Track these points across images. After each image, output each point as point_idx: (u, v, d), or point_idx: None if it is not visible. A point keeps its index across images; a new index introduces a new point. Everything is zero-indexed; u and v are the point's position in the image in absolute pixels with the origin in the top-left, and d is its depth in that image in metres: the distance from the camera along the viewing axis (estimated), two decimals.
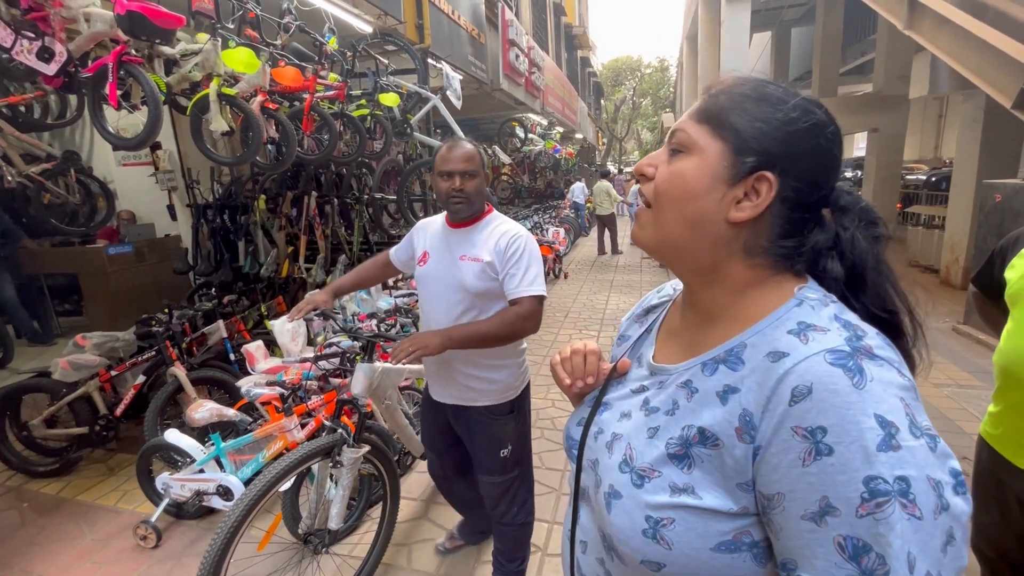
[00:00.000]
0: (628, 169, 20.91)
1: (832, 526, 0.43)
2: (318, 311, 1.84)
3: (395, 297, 3.75)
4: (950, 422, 3.66)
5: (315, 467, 1.84)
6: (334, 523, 1.81)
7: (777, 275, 0.57)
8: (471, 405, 1.74)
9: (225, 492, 2.28)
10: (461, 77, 5.27)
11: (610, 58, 36.44)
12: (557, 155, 11.58)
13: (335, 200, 4.44)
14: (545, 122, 11.48)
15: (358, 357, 3.02)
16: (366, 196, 4.54)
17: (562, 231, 8.52)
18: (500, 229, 1.65)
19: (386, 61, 4.19)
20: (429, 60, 5.10)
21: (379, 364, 1.91)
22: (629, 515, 0.54)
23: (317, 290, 1.88)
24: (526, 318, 1.55)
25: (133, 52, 2.20)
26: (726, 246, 0.56)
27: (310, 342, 3.38)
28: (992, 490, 1.42)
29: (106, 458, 3.15)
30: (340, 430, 1.78)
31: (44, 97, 3.62)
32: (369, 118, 3.99)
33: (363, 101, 3.97)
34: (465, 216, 1.66)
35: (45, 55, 2.17)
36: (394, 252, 1.93)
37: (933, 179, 12.05)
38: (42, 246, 5.62)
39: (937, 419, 3.70)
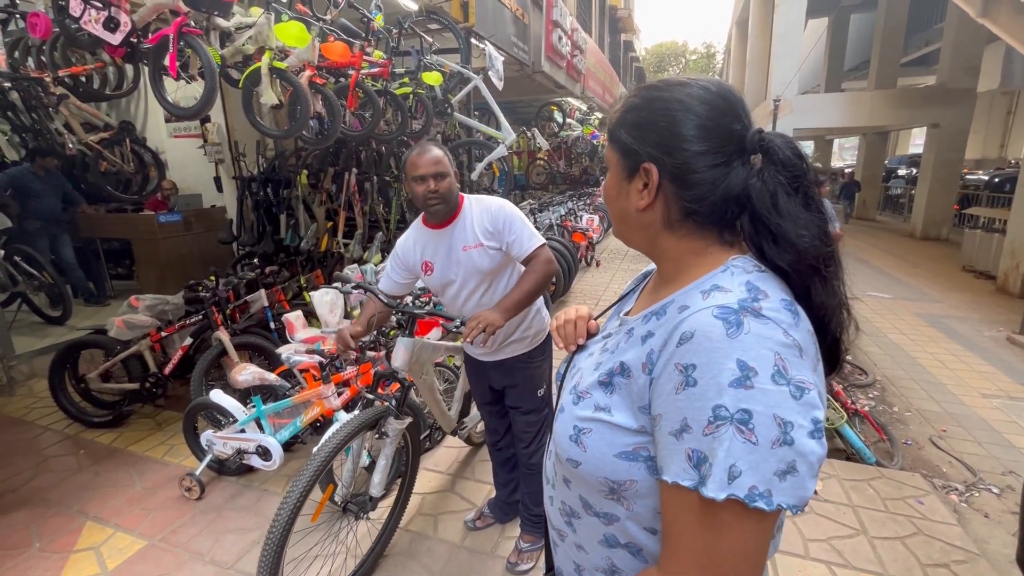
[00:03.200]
0: None
1: (686, 440, 0.55)
2: (352, 284, 1.90)
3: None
4: (997, 434, 3.49)
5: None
6: (376, 490, 1.88)
7: (713, 245, 0.68)
8: (511, 356, 1.90)
9: (264, 452, 2.39)
10: (503, 58, 5.22)
11: (654, 43, 35.35)
12: (595, 141, 11.38)
13: (374, 177, 4.50)
14: (584, 107, 11.29)
15: (392, 332, 3.10)
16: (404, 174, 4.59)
17: (596, 218, 8.42)
18: (480, 210, 1.77)
19: (430, 39, 4.19)
20: (472, 40, 5.07)
21: (419, 339, 1.95)
22: (564, 424, 0.70)
23: (346, 329, 1.84)
24: (548, 262, 1.74)
25: (192, 24, 2.26)
26: (649, 228, 0.70)
27: (347, 315, 3.47)
28: None
29: (155, 414, 3.33)
30: (387, 403, 1.83)
31: (104, 68, 3.79)
32: (411, 96, 4.01)
33: (406, 79, 3.99)
34: (445, 214, 1.76)
35: (111, 25, 2.26)
36: (384, 286, 1.92)
37: (996, 180, 11.31)
38: (98, 212, 5.91)
39: (983, 431, 3.54)
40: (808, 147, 24.67)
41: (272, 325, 3.53)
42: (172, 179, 6.19)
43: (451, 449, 2.85)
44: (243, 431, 2.46)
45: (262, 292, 3.53)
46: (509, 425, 2.12)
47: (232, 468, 2.64)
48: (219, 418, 2.63)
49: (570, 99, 10.14)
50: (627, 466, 0.63)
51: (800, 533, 2.24)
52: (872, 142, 15.78)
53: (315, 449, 1.65)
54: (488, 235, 1.73)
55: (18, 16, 3.08)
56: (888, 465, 2.97)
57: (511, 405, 2.03)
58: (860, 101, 12.95)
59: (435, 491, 2.53)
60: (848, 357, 4.34)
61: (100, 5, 2.24)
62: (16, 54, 3.60)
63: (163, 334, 3.17)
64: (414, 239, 1.86)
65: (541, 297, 1.95)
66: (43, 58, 3.33)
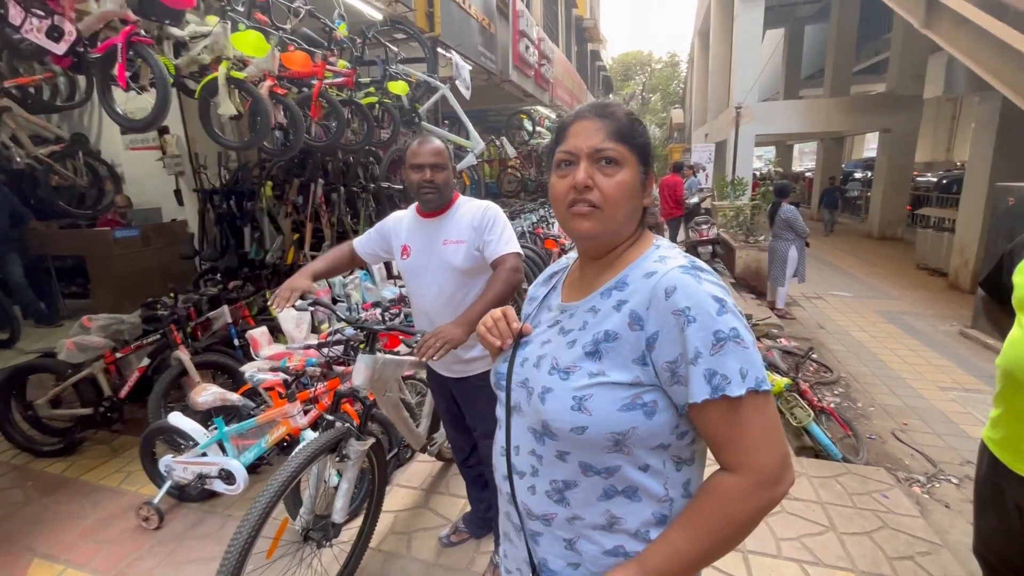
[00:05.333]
0: None
1: (700, 364, 0.70)
2: (309, 300, 1.84)
3: (400, 287, 3.74)
4: (954, 425, 3.64)
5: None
6: (339, 516, 1.79)
7: (642, 232, 0.86)
8: (471, 375, 1.85)
9: (227, 476, 2.29)
10: (471, 67, 5.22)
11: (620, 52, 36.06)
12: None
13: (342, 188, 4.43)
14: (554, 115, 11.40)
15: (361, 346, 3.03)
16: (372, 185, 4.52)
17: None
18: (470, 209, 1.78)
19: (395, 49, 4.16)
20: (439, 49, 5.06)
21: (381, 355, 1.89)
22: (560, 400, 0.77)
23: (295, 276, 1.86)
24: (515, 270, 1.70)
25: (143, 33, 2.18)
26: (636, 220, 0.84)
27: (314, 329, 3.38)
28: (992, 496, 1.40)
29: (110, 439, 3.17)
30: (347, 424, 1.76)
31: (53, 79, 3.61)
32: (377, 106, 3.97)
33: (372, 89, 3.95)
34: (436, 205, 1.78)
35: (55, 34, 2.16)
36: (360, 244, 1.99)
37: (944, 181, 11.89)
38: (49, 228, 5.63)
39: (941, 423, 3.68)
40: (770, 152, 25.51)
41: (236, 342, 3.41)
42: (129, 193, 5.95)
43: (424, 464, 2.79)
44: (205, 454, 2.35)
45: (225, 308, 3.41)
46: (475, 444, 2.06)
47: (193, 494, 2.52)
48: (179, 442, 2.51)
49: (539, 107, 10.23)
50: (629, 416, 0.74)
51: (772, 533, 2.27)
52: (829, 147, 16.44)
53: (269, 480, 1.56)
54: (472, 231, 1.73)
55: None
56: (854, 460, 3.05)
57: (471, 426, 1.97)
58: (816, 108, 13.49)
59: (408, 508, 2.47)
60: (814, 356, 4.45)
61: (42, 13, 2.14)
62: None
63: (118, 355, 3.03)
64: (405, 221, 1.88)
65: None
66: None
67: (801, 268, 6.13)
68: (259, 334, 3.04)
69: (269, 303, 1.82)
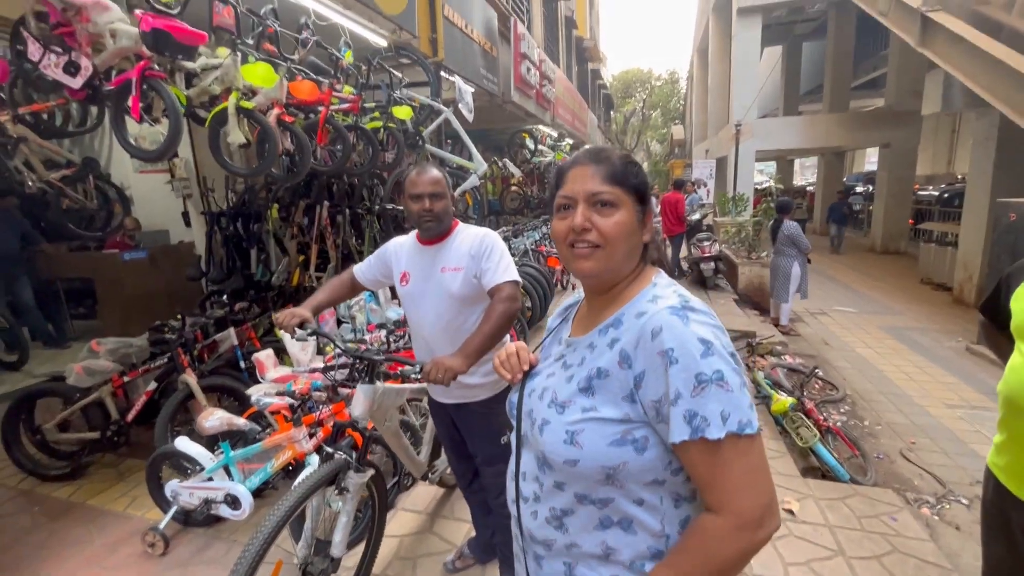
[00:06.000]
0: None
1: (680, 405, 0.71)
2: (308, 330, 1.86)
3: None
4: (962, 444, 3.61)
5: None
6: (337, 551, 1.77)
7: (643, 269, 0.89)
8: (471, 401, 1.86)
9: (233, 501, 2.30)
10: (473, 90, 5.32)
11: (621, 70, 36.53)
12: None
13: (347, 210, 4.49)
14: (555, 133, 11.54)
15: (362, 372, 3.04)
16: (377, 207, 4.58)
17: None
18: (468, 236, 1.81)
19: (400, 75, 4.25)
20: (442, 73, 5.16)
21: (380, 385, 1.89)
22: (555, 432, 0.80)
23: (298, 307, 1.90)
24: (511, 299, 1.70)
25: (156, 67, 2.25)
26: (636, 257, 0.88)
27: (319, 351, 3.41)
28: (998, 522, 1.39)
29: (117, 463, 3.18)
30: (344, 455, 1.75)
31: (66, 105, 3.71)
32: (382, 130, 4.04)
33: (376, 113, 4.03)
34: (436, 233, 1.81)
35: (71, 69, 2.23)
36: (361, 271, 2.04)
37: (946, 195, 11.92)
38: (59, 250, 5.72)
39: (950, 441, 3.65)
40: (771, 167, 25.65)
41: (243, 364, 3.43)
42: (137, 215, 6.05)
43: (429, 488, 2.79)
44: (211, 479, 2.36)
45: (231, 331, 3.44)
46: (477, 470, 2.06)
47: (199, 519, 2.52)
48: (185, 466, 2.52)
49: (541, 127, 10.36)
50: (618, 451, 0.76)
51: (780, 558, 2.25)
52: (830, 161, 16.52)
53: (265, 517, 1.53)
54: (469, 259, 1.75)
55: None
56: (862, 481, 3.03)
57: (473, 452, 1.98)
58: (816, 124, 13.60)
59: (413, 533, 2.46)
60: (820, 373, 4.44)
61: (60, 50, 2.22)
62: None
63: (126, 379, 3.05)
64: (405, 247, 1.91)
65: (507, 338, 1.91)
66: (1, 96, 3.26)
67: (804, 284, 6.13)
68: (265, 356, 3.05)
69: (274, 319, 1.85)
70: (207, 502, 2.34)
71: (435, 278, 1.78)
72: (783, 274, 6.10)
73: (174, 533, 2.47)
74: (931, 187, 14.34)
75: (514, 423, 0.94)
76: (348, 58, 3.60)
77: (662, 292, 0.82)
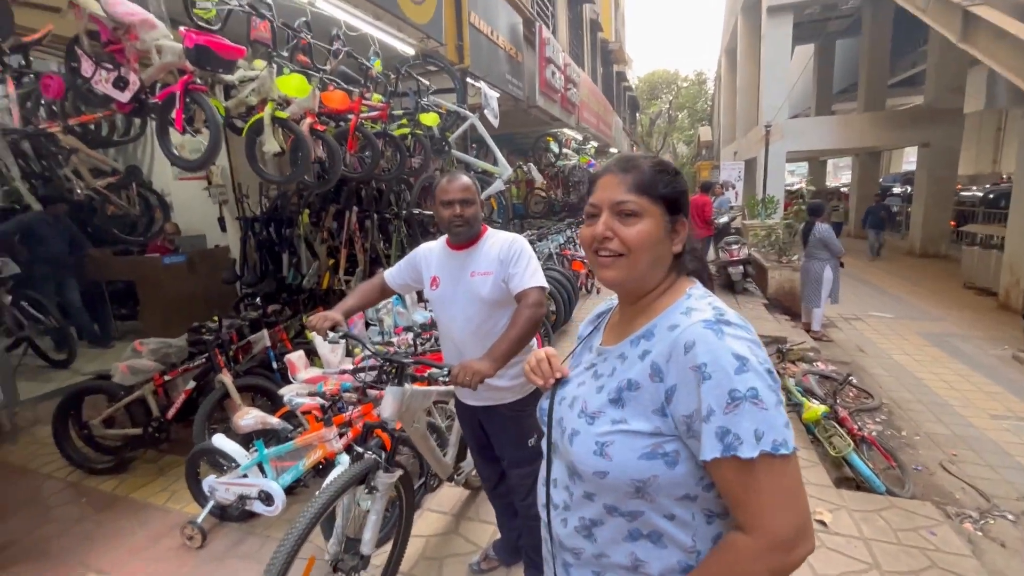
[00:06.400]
0: None
1: (712, 421, 0.69)
2: (340, 333, 1.91)
3: (431, 311, 3.82)
4: (1009, 457, 3.45)
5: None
6: (367, 548, 1.82)
7: (677, 279, 0.88)
8: (500, 403, 1.88)
9: (267, 498, 2.37)
10: (498, 95, 5.37)
11: (647, 72, 36.19)
12: (591, 170, 11.59)
13: (375, 215, 4.58)
14: (580, 137, 11.52)
15: (390, 374, 3.10)
16: (404, 212, 4.67)
17: None
18: (497, 241, 1.84)
19: (427, 82, 4.33)
20: (468, 79, 5.23)
21: (408, 387, 1.94)
22: (584, 443, 0.80)
23: (329, 310, 1.94)
24: (538, 304, 1.73)
25: (198, 81, 2.36)
26: (665, 267, 0.86)
27: (348, 353, 3.49)
28: None
29: (157, 458, 3.32)
30: (374, 455, 1.79)
31: (111, 116, 3.91)
32: (410, 137, 4.12)
33: (404, 120, 4.11)
34: (466, 238, 1.85)
35: (120, 84, 2.36)
36: (391, 276, 2.08)
37: (991, 196, 11.39)
38: (104, 254, 6.00)
39: (994, 454, 3.49)
40: (803, 168, 24.97)
41: (275, 365, 3.54)
42: (176, 220, 6.30)
43: (454, 489, 2.82)
44: (245, 476, 2.44)
45: (264, 332, 3.55)
46: (503, 472, 2.08)
47: (234, 514, 2.61)
48: (221, 463, 2.61)
49: (565, 130, 10.37)
50: (648, 464, 0.75)
51: (812, 569, 2.19)
52: (865, 162, 16.00)
53: (298, 516, 1.59)
54: (498, 264, 1.78)
55: (31, 75, 3.19)
56: (899, 493, 2.93)
57: (499, 455, 2.01)
58: (850, 123, 13.21)
59: (439, 533, 2.50)
60: (854, 381, 4.30)
61: (111, 66, 2.35)
62: (28, 104, 3.73)
63: (166, 378, 3.19)
64: (435, 253, 1.95)
65: (534, 342, 1.94)
66: (54, 108, 3.46)
67: (835, 288, 5.96)
68: (296, 358, 3.15)
69: (306, 322, 1.90)
70: (242, 498, 2.42)
71: (465, 282, 1.82)
72: (814, 278, 5.94)
73: (211, 527, 2.57)
74: (975, 187, 13.74)
75: (545, 429, 0.94)
76: (377, 67, 3.69)
77: (696, 304, 0.81)
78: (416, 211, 4.62)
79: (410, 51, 4.36)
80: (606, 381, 0.84)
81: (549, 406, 0.93)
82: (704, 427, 0.70)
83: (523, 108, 7.24)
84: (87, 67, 2.36)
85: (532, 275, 1.78)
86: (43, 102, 3.64)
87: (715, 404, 0.69)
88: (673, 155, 37.95)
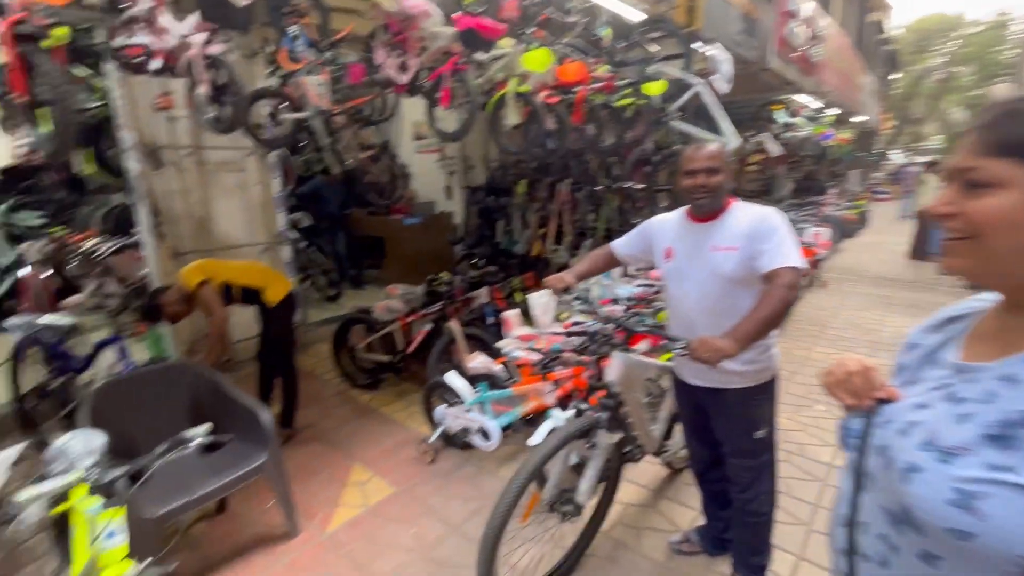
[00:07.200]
0: (921, 159, 16.55)
1: None
2: (573, 295, 2.00)
3: (637, 286, 3.78)
4: None
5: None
6: (583, 498, 1.94)
7: None
8: (727, 387, 1.77)
9: (485, 433, 2.70)
10: (730, 58, 4.89)
11: (916, 19, 28.86)
12: (826, 142, 9.84)
13: (587, 187, 4.67)
14: (817, 103, 9.87)
15: (602, 343, 3.18)
16: (615, 185, 4.65)
17: (823, 231, 7.27)
18: (747, 215, 1.69)
19: (657, 47, 4.16)
20: (696, 44, 4.87)
21: (634, 355, 1.95)
22: (932, 487, 0.61)
23: (564, 272, 2.04)
24: (789, 287, 1.55)
25: (462, 61, 2.67)
26: None
27: (556, 318, 3.68)
28: None
29: (397, 384, 4.02)
30: (599, 414, 1.88)
31: (374, 100, 4.72)
32: (630, 108, 4.04)
33: (627, 91, 4.04)
34: (708, 210, 1.73)
35: (403, 68, 2.81)
36: (620, 246, 2.04)
37: None
38: (360, 214, 7.40)
39: None
40: None
41: (490, 320, 3.94)
42: (413, 188, 7.39)
43: (652, 466, 2.80)
44: (469, 411, 2.81)
45: (484, 290, 3.97)
46: (717, 458, 1.99)
47: (457, 443, 3.04)
48: (449, 398, 3.05)
49: (798, 95, 8.98)
50: None
51: None
52: None
53: (530, 451, 1.76)
54: (745, 239, 1.64)
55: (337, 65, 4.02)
56: None
57: (720, 440, 1.90)
58: None
59: (636, 504, 2.52)
60: None
61: (397, 53, 2.81)
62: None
63: (410, 319, 3.81)
64: (670, 224, 1.88)
65: (775, 335, 1.79)
66: (336, 96, 4.34)
67: None
68: (513, 315, 3.44)
69: (543, 282, 2.04)
70: (465, 430, 2.80)
71: (704, 257, 1.72)
72: None
73: (438, 448, 3.03)
74: None
75: (850, 456, 0.77)
76: (607, 35, 3.67)
77: None
78: (627, 184, 4.57)
79: (639, 16, 4.23)
80: (976, 409, 0.64)
81: (864, 428, 0.75)
82: None
83: (751, 72, 6.47)
84: (380, 56, 2.85)
85: (784, 255, 1.59)
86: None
87: None
88: (942, 124, 29.91)
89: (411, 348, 3.80)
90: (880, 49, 19.92)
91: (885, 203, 17.21)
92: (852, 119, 13.16)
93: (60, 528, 1.76)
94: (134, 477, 1.45)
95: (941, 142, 29.68)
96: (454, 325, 3.55)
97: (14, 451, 1.38)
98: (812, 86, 8.43)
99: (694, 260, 1.76)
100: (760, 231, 1.63)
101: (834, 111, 10.84)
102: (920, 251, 8.77)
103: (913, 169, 14.07)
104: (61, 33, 2.08)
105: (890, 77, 25.02)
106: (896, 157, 26.54)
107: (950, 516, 0.59)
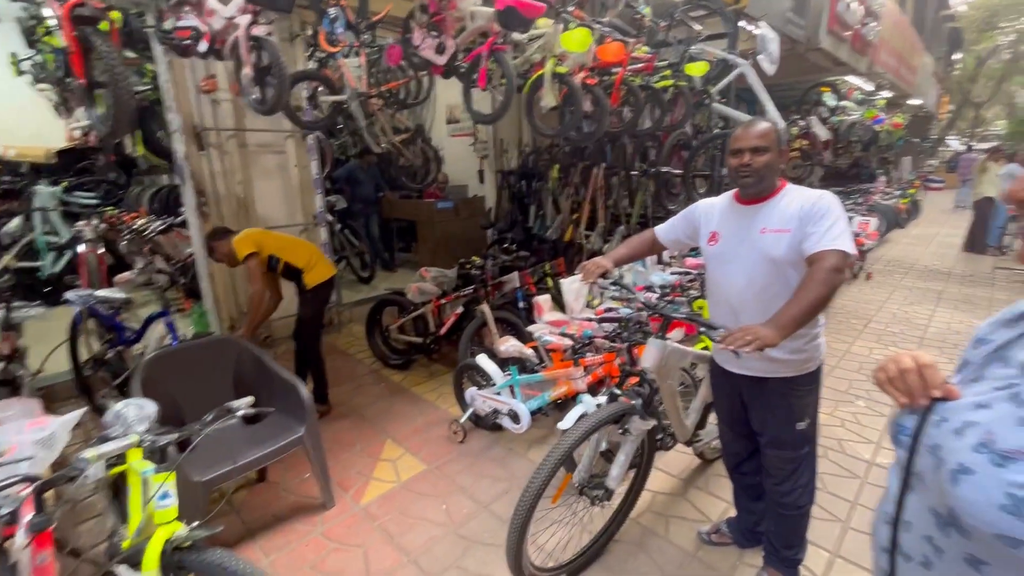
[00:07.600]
0: (982, 146, 15.50)
1: None
2: (611, 280, 1.97)
3: (672, 273, 3.70)
4: None
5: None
6: (613, 483, 1.94)
7: None
8: (771, 376, 1.72)
9: (515, 416, 2.71)
10: (777, 38, 4.66)
11: None
12: (878, 126, 9.30)
13: (622, 172, 4.58)
14: (869, 86, 9.35)
15: (634, 330, 3.14)
16: (652, 169, 4.54)
17: (872, 221, 6.94)
18: (800, 197, 1.63)
19: (700, 27, 4.00)
20: (741, 22, 4.65)
21: (671, 343, 1.92)
22: (983, 490, 0.59)
23: (601, 256, 2.01)
24: (836, 270, 1.49)
25: (500, 41, 2.63)
26: None
27: (588, 304, 3.66)
28: None
29: (429, 365, 4.09)
30: (633, 400, 1.87)
31: (409, 83, 4.72)
32: (671, 89, 3.92)
33: (667, 72, 3.91)
34: (756, 191, 1.67)
35: (440, 49, 2.79)
36: (663, 231, 2.00)
37: None
38: (393, 197, 7.47)
39: None
40: None
41: (521, 304, 3.94)
42: (446, 172, 7.40)
43: (683, 455, 2.77)
44: (499, 394, 2.83)
45: (516, 274, 3.96)
46: (753, 450, 1.94)
47: (486, 424, 3.06)
48: (479, 380, 3.08)
49: (849, 77, 8.52)
50: None
51: None
52: None
53: (562, 434, 1.77)
54: (797, 221, 1.58)
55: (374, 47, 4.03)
56: None
57: (758, 430, 1.84)
58: None
59: (666, 492, 2.50)
60: None
61: (435, 34, 2.79)
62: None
63: (442, 301, 3.85)
64: (717, 207, 1.83)
65: (821, 324, 1.72)
66: (371, 79, 4.35)
67: None
68: (544, 300, 3.42)
69: (578, 271, 2.01)
70: (495, 412, 2.82)
71: (752, 240, 1.66)
72: None
73: (468, 429, 3.07)
74: None
75: (901, 454, 0.74)
76: (648, 13, 3.55)
77: None
78: (664, 169, 4.46)
79: None
80: None
81: (917, 425, 0.72)
82: None
83: (800, 52, 6.16)
84: (418, 37, 2.84)
85: (836, 237, 1.52)
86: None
87: None
88: (1007, 107, 27.92)
89: (443, 330, 3.85)
90: (942, 27, 18.65)
91: (939, 192, 16.30)
92: (907, 102, 12.41)
93: (115, 490, 1.88)
94: (182, 444, 1.52)
95: (1005, 127, 27.72)
96: (485, 308, 3.57)
97: (75, 415, 1.46)
98: (865, 67, 7.96)
99: (742, 243, 1.70)
100: (812, 213, 1.56)
101: (887, 94, 10.25)
102: (977, 243, 8.29)
103: (971, 156, 13.23)
104: (116, 16, 2.15)
105: (952, 57, 23.42)
106: (953, 143, 24.99)
107: (999, 521, 0.57)
